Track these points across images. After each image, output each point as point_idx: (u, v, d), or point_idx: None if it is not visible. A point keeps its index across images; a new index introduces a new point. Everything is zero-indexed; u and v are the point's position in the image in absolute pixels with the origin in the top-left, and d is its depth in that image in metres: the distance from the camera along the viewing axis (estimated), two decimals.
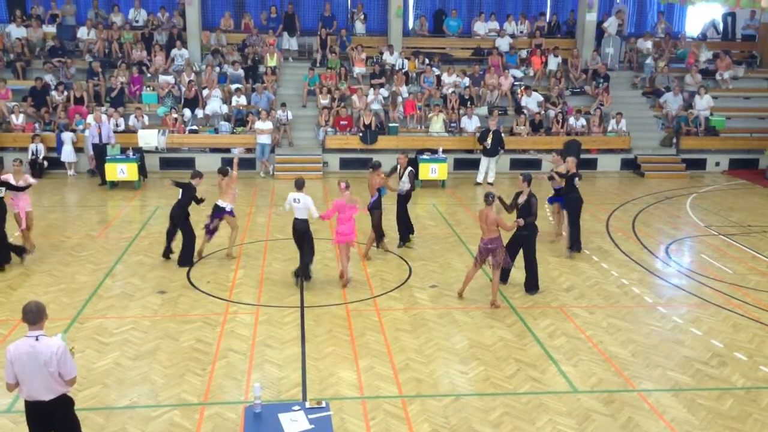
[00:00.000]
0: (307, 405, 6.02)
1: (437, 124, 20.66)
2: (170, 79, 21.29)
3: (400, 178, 12.95)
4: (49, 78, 20.74)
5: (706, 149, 21.62)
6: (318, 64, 22.86)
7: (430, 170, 18.45)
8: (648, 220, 15.57)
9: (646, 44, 24.29)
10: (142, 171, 18.18)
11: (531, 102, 21.66)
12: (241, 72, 21.75)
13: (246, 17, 24.14)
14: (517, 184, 10.95)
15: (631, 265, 12.40)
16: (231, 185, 12.18)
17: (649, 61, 23.66)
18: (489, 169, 19.05)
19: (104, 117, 18.59)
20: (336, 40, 23.46)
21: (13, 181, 11.82)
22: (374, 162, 12.56)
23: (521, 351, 8.92)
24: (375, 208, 12.27)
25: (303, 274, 10.96)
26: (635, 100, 23.08)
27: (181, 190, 11.81)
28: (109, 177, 17.58)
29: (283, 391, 7.83)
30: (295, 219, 10.85)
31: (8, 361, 5.48)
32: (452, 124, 20.92)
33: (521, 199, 10.70)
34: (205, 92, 20.84)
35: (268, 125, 19.34)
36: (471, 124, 20.56)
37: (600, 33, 24.36)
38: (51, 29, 22.74)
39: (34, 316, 5.49)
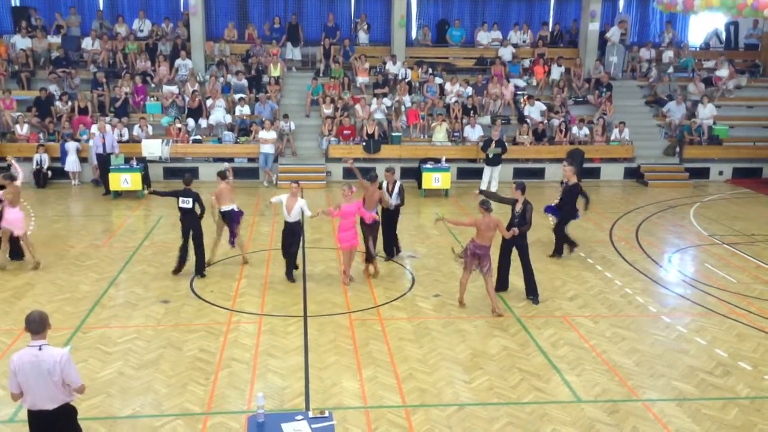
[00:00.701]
0: (311, 414, 6.01)
1: (440, 133, 20.69)
2: (174, 89, 21.38)
3: (390, 194, 12.44)
4: (53, 88, 20.84)
5: (709, 158, 21.60)
6: (321, 74, 22.94)
7: (434, 179, 18.47)
8: (651, 229, 15.55)
9: (649, 53, 24.37)
10: (146, 181, 18.22)
11: (534, 111, 21.70)
12: (244, 82, 21.83)
13: (250, 27, 24.26)
14: (512, 192, 11.02)
15: (635, 274, 12.38)
16: (230, 189, 12.20)
17: (654, 72, 23.69)
18: (492, 178, 19.06)
19: (108, 127, 18.67)
20: (339, 49, 23.55)
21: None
22: (372, 174, 12.07)
23: (525, 360, 8.90)
24: (373, 223, 11.79)
25: (291, 264, 11.53)
26: (638, 109, 23.09)
27: (191, 199, 11.35)
28: (112, 187, 17.63)
29: (287, 401, 7.82)
30: (286, 222, 11.29)
31: (12, 370, 5.48)
32: (455, 134, 20.94)
33: (518, 208, 10.77)
34: (208, 102, 20.91)
35: (271, 135, 19.40)
36: (474, 133, 20.59)
37: (603, 42, 24.40)
38: (56, 40, 22.86)
39: (37, 325, 5.50)
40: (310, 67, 24.08)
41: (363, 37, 24.69)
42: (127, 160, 18.05)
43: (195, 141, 20.03)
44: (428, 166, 18.71)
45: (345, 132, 20.45)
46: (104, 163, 18.08)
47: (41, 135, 19.70)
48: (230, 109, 21.02)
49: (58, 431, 5.69)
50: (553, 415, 7.61)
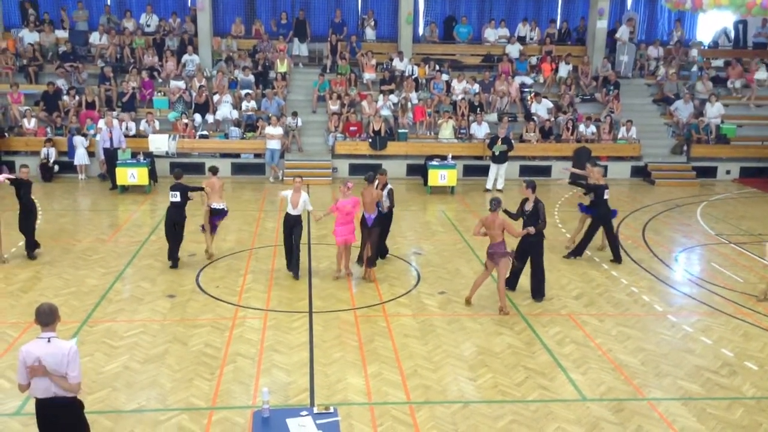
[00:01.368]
0: (315, 410, 6.02)
1: (447, 130, 20.66)
2: (181, 84, 21.41)
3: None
4: (61, 83, 20.91)
5: (716, 157, 21.52)
6: (328, 70, 22.92)
7: (440, 177, 18.45)
8: (658, 228, 15.50)
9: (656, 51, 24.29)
10: (153, 175, 18.26)
11: (541, 109, 21.65)
12: (251, 77, 21.84)
13: (257, 23, 24.26)
14: (522, 191, 10.95)
15: (641, 273, 12.35)
16: (221, 186, 12.41)
17: (662, 70, 23.61)
18: (498, 176, 19.03)
19: (115, 122, 18.71)
20: (346, 46, 23.52)
21: None
22: (369, 174, 11.59)
23: (530, 358, 8.89)
24: (375, 226, 11.48)
25: (294, 260, 11.51)
26: (645, 107, 23.02)
27: (178, 192, 11.79)
28: (119, 181, 17.68)
29: (291, 396, 7.83)
30: (288, 213, 11.40)
31: (21, 361, 5.50)
32: (462, 131, 20.91)
33: (528, 206, 10.70)
34: (215, 97, 20.93)
35: (278, 131, 19.41)
36: (481, 130, 20.56)
37: (611, 40, 24.33)
38: (63, 34, 22.91)
39: (47, 317, 5.52)
40: (317, 63, 24.07)
41: (370, 33, 24.66)
42: (134, 155, 18.11)
43: (201, 136, 20.05)
44: (434, 163, 18.70)
45: (351, 128, 20.45)
46: (111, 157, 18.13)
47: (49, 129, 19.75)
48: (237, 105, 21.04)
49: (64, 425, 5.71)
50: (558, 414, 7.60)
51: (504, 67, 22.96)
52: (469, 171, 20.21)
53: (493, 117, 21.31)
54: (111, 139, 18.23)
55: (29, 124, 19.66)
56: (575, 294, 11.21)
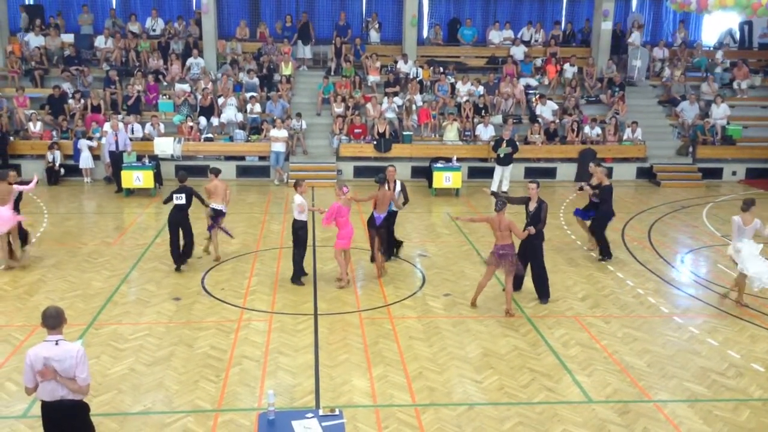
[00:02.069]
0: (321, 412, 6.02)
1: (451, 132, 20.66)
2: (186, 87, 21.46)
3: (393, 191, 12.33)
4: (66, 86, 20.98)
5: (722, 158, 21.47)
6: (332, 73, 22.95)
7: (444, 179, 18.44)
8: (664, 229, 15.46)
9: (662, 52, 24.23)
10: (158, 178, 18.31)
11: (546, 111, 21.62)
12: (256, 80, 21.88)
13: (261, 26, 24.32)
14: (527, 191, 10.93)
15: (647, 274, 12.31)
16: (224, 188, 12.42)
17: (667, 71, 23.55)
18: (503, 177, 19.01)
19: (121, 125, 18.76)
20: (350, 48, 23.56)
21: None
22: (380, 177, 11.93)
23: (535, 360, 8.88)
24: (382, 226, 11.67)
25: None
26: (651, 108, 22.98)
27: (184, 195, 11.82)
28: (125, 184, 17.72)
29: (297, 399, 7.83)
30: (301, 221, 11.28)
31: (27, 364, 5.52)
32: (466, 133, 20.90)
33: (532, 207, 10.70)
34: (220, 100, 20.97)
35: (282, 133, 19.43)
36: (486, 132, 20.54)
37: (615, 42, 24.29)
38: (69, 38, 23.00)
39: (54, 320, 5.53)
40: (322, 65, 24.12)
41: (374, 35, 24.69)
42: (140, 158, 18.15)
43: (206, 139, 20.10)
44: (439, 165, 18.69)
45: (356, 131, 20.46)
46: (117, 160, 18.18)
47: (54, 133, 19.82)
48: (242, 108, 21.08)
49: (70, 427, 5.72)
50: (564, 416, 7.58)
51: (508, 69, 22.94)
52: (473, 173, 20.19)
53: (498, 119, 21.29)
54: (116, 143, 18.28)
55: (35, 127, 19.74)
56: (581, 296, 11.18)
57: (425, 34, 25.76)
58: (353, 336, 9.48)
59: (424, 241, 14.14)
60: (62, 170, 19.05)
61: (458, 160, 19.02)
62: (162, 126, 20.11)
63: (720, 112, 21.74)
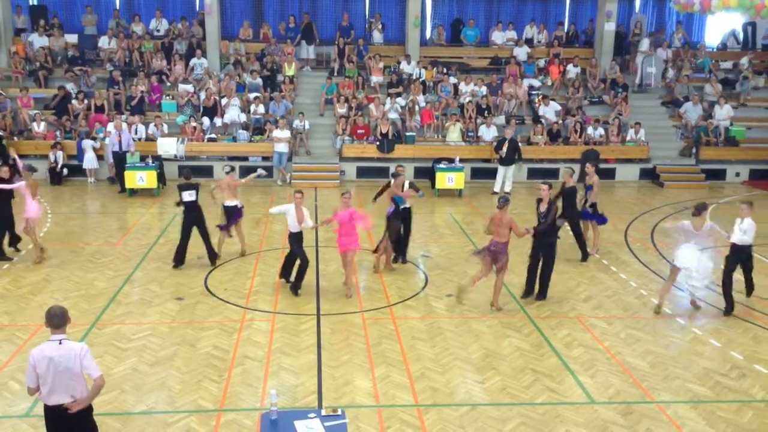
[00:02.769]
0: (323, 412, 6.02)
1: (454, 133, 20.66)
2: (189, 87, 21.49)
3: (401, 188, 12.33)
4: (70, 86, 21.02)
5: (726, 159, 21.44)
6: (336, 73, 22.97)
7: (447, 179, 18.44)
8: (667, 230, 15.42)
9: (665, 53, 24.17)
10: (161, 179, 18.34)
11: (549, 111, 21.61)
12: (259, 81, 21.90)
13: (264, 27, 24.34)
14: (540, 192, 10.87)
15: (650, 275, 12.30)
16: (235, 185, 12.48)
17: (670, 72, 23.51)
18: (506, 178, 19.00)
19: (124, 125, 18.79)
20: (354, 49, 23.57)
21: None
22: (398, 170, 12.41)
23: (538, 361, 8.87)
24: (393, 219, 11.87)
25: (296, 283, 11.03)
26: (654, 109, 22.94)
27: (195, 191, 11.93)
28: (128, 184, 17.75)
29: (299, 399, 7.84)
30: (294, 233, 10.89)
31: (31, 364, 5.54)
32: (469, 134, 20.90)
33: (543, 207, 10.70)
34: (223, 101, 21.00)
35: (285, 134, 19.45)
36: (488, 133, 20.54)
37: (618, 43, 24.28)
38: (73, 38, 23.03)
39: (58, 320, 5.56)
40: (325, 66, 24.13)
41: (377, 36, 24.70)
42: (143, 158, 18.18)
43: (210, 139, 20.12)
44: (442, 166, 18.69)
45: (359, 131, 20.47)
46: (120, 161, 18.22)
47: (58, 133, 19.86)
48: (245, 108, 21.10)
49: (73, 427, 5.73)
50: (566, 417, 7.58)
51: (512, 70, 22.94)
52: (476, 174, 20.19)
53: (501, 120, 21.28)
54: (120, 143, 18.32)
55: (39, 127, 19.77)
56: (584, 297, 11.17)
57: (428, 34, 25.75)
58: (356, 336, 9.48)
59: (427, 242, 14.14)
60: (65, 170, 19.08)
61: (461, 160, 19.02)
62: (165, 126, 20.14)
63: (723, 113, 21.70)
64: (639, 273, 12.40)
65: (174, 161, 19.41)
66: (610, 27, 23.83)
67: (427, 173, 19.66)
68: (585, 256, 12.96)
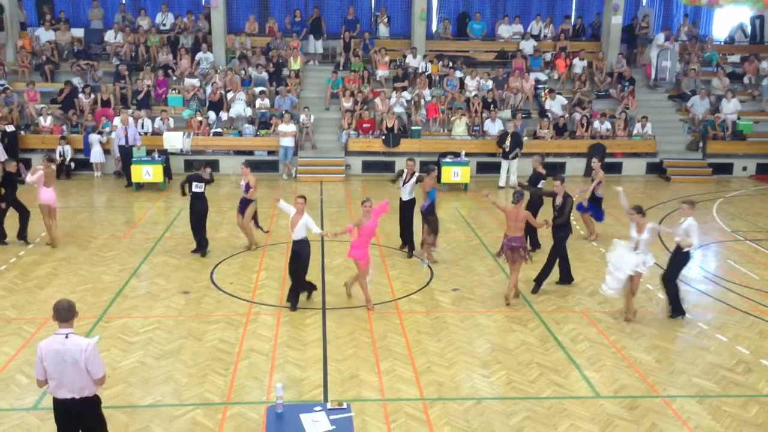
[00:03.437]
0: (329, 406, 6.04)
1: (460, 127, 20.62)
2: (195, 82, 21.51)
3: (406, 182, 12.58)
4: (76, 81, 21.07)
5: (733, 153, 21.34)
6: (341, 67, 22.95)
7: (453, 173, 18.43)
8: (673, 225, 15.35)
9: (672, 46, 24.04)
10: (167, 173, 18.38)
11: (555, 105, 21.54)
12: (265, 75, 21.90)
13: (270, 21, 24.34)
14: (554, 186, 10.96)
15: (656, 270, 12.24)
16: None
17: (675, 65, 23.38)
18: (510, 172, 18.97)
19: (130, 119, 18.83)
20: (359, 43, 23.53)
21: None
22: (430, 167, 12.73)
23: (544, 355, 8.87)
24: (428, 213, 12.17)
25: (295, 288, 10.33)
26: (661, 103, 22.85)
27: (203, 183, 12.30)
28: (134, 179, 17.80)
29: (305, 392, 7.87)
30: (293, 241, 10.00)
31: (39, 357, 5.57)
32: (475, 128, 20.86)
33: (558, 201, 10.82)
34: (229, 95, 21.01)
35: (291, 128, 19.45)
36: (494, 127, 20.50)
37: (625, 36, 24.17)
38: (79, 33, 23.07)
39: (65, 313, 5.58)
40: (330, 60, 24.10)
41: (383, 30, 24.65)
42: (149, 153, 18.22)
43: (216, 134, 20.15)
44: (448, 160, 18.67)
45: (364, 125, 20.46)
46: (126, 155, 18.26)
47: (64, 127, 19.91)
48: (251, 102, 21.11)
49: (82, 419, 5.77)
50: (572, 411, 7.58)
51: (518, 64, 22.86)
52: (482, 168, 20.15)
53: (507, 114, 21.23)
54: (126, 137, 18.35)
55: (45, 121, 19.83)
56: (589, 291, 11.16)
57: (434, 28, 25.71)
58: (361, 330, 9.50)
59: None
60: (72, 164, 19.14)
61: (467, 154, 18.98)
62: (171, 120, 20.16)
63: (730, 107, 21.59)
64: None
65: (180, 155, 19.45)
66: (617, 20, 23.71)
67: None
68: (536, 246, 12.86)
